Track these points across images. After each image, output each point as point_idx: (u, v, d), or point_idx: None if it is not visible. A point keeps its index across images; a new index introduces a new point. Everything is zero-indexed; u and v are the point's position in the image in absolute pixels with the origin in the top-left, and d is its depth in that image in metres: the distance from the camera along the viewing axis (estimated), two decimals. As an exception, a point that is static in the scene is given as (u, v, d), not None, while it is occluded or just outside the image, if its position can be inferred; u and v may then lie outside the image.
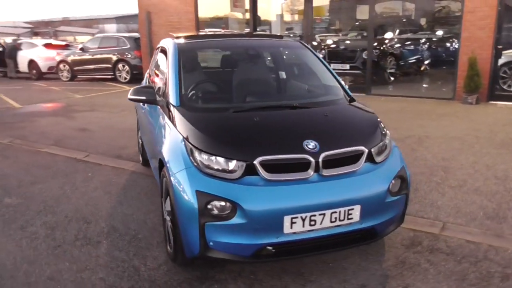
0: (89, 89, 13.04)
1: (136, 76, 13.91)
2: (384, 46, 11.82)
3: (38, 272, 2.95)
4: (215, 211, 2.56)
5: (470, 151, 5.69)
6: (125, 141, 6.50)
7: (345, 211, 2.67)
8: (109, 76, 14.76)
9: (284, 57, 4.04)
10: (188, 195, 2.59)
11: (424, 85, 11.87)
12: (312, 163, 2.67)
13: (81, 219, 3.81)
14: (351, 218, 2.71)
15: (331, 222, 2.66)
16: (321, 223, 2.64)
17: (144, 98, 3.48)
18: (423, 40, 13.09)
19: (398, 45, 12.45)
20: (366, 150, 2.83)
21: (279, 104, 3.33)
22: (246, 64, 3.84)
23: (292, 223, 2.58)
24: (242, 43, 4.03)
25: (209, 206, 2.55)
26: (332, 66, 11.43)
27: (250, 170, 2.62)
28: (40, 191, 4.54)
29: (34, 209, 4.04)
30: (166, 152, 2.96)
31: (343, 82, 3.70)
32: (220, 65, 3.80)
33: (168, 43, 3.84)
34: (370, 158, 2.87)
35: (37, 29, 58.88)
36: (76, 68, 15.40)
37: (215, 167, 2.65)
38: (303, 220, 2.59)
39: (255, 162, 2.61)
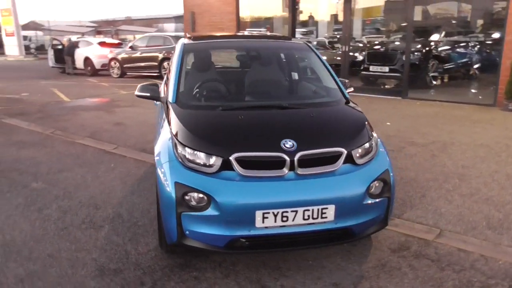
0: (134, 85, 13.55)
1: (180, 74, 14.39)
2: (427, 48, 11.48)
3: (41, 249, 3.26)
4: (193, 202, 2.72)
5: (495, 160, 5.47)
6: (154, 136, 6.83)
7: (318, 209, 2.74)
8: (155, 74, 15.39)
9: (287, 58, 4.13)
10: (168, 186, 2.77)
11: (465, 90, 11.39)
12: (287, 162, 2.75)
13: (93, 205, 4.11)
14: (325, 217, 2.77)
15: (304, 219, 2.74)
16: (293, 220, 2.72)
17: (148, 94, 3.71)
18: (472, 43, 12.55)
19: (444, 47, 12.04)
20: (345, 152, 2.88)
21: (269, 104, 3.43)
22: (246, 64, 3.97)
23: (264, 218, 2.68)
24: (246, 44, 4.16)
25: (186, 197, 2.72)
26: (371, 68, 11.40)
27: (227, 165, 2.75)
28: (65, 178, 4.92)
29: (54, 194, 4.40)
30: (157, 146, 3.16)
31: (341, 84, 3.74)
32: (221, 65, 3.96)
33: (178, 43, 4.06)
34: (352, 160, 2.92)
35: (100, 28, 62.06)
36: (125, 65, 16.17)
37: (195, 161, 2.81)
38: (275, 215, 2.69)
39: (230, 158, 2.74)
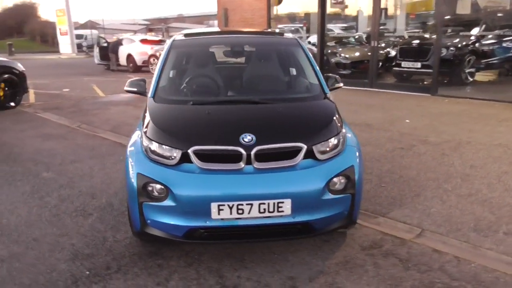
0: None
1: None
2: (463, 43, 10.97)
3: (29, 233, 3.51)
4: (154, 193, 2.84)
5: (508, 160, 5.19)
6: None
7: (274, 203, 2.77)
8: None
9: (274, 54, 4.16)
10: (132, 177, 2.91)
11: (503, 88, 10.77)
12: (244, 156, 2.81)
13: (90, 194, 4.35)
14: (282, 211, 2.80)
15: (260, 212, 2.78)
16: (249, 213, 2.77)
17: (135, 89, 3.87)
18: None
19: (484, 42, 11.44)
20: (305, 147, 2.88)
21: (240, 99, 3.49)
22: (228, 60, 4.05)
23: (219, 210, 2.75)
24: (234, 41, 4.23)
25: (148, 188, 2.84)
26: (403, 64, 11.07)
27: (188, 158, 2.85)
28: (74, 169, 5.22)
29: (60, 183, 4.69)
30: (131, 138, 3.31)
31: (323, 80, 3.72)
32: (205, 61, 4.05)
33: (169, 39, 4.20)
34: (314, 155, 2.92)
35: (152, 25, 64.14)
36: (164, 62, 16.66)
37: (158, 154, 2.93)
38: (230, 208, 2.75)
39: (189, 151, 2.84)
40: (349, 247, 3.26)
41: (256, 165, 2.82)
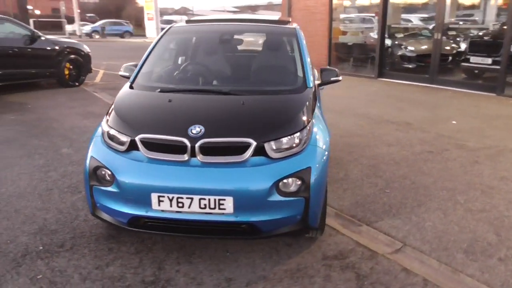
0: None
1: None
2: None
3: (14, 204, 3.71)
4: (103, 178, 2.85)
5: (552, 175, 4.49)
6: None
7: (215, 200, 2.64)
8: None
9: (266, 43, 3.94)
10: (87, 159, 2.95)
11: None
12: (188, 148, 2.70)
13: (91, 173, 4.51)
14: (224, 209, 2.65)
15: (201, 208, 2.66)
16: (189, 207, 2.67)
17: (127, 74, 3.90)
18: None
19: None
20: (254, 143, 2.69)
21: (209, 88, 3.34)
22: (220, 48, 3.91)
23: (159, 201, 2.68)
24: (228, 29, 4.07)
25: (98, 172, 2.86)
26: (472, 59, 10.06)
27: (136, 146, 2.81)
28: (93, 147, 5.44)
29: (72, 160, 4.92)
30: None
31: (309, 73, 3.46)
32: (193, 49, 3.94)
33: (168, 27, 4.17)
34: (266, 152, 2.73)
35: (240, 13, 65.32)
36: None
37: (112, 139, 2.92)
38: (170, 200, 2.67)
39: (136, 138, 2.79)
40: (309, 255, 3.02)
41: (201, 158, 2.70)
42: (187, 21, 4.18)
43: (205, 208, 2.66)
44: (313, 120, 3.03)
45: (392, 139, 5.86)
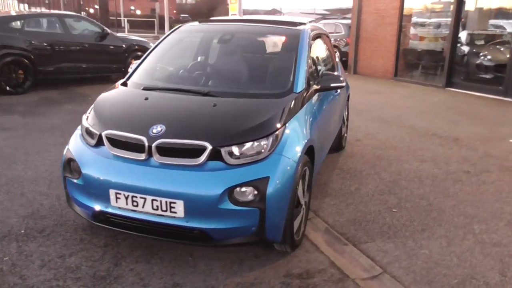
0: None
1: (344, 62, 14.10)
2: None
3: (24, 187, 3.95)
4: (75, 170, 2.93)
5: None
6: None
7: (166, 202, 2.59)
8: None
9: (265, 45, 3.79)
10: (65, 151, 3.06)
11: None
12: (146, 147, 2.67)
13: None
14: (175, 212, 2.59)
15: (153, 209, 2.63)
16: (143, 207, 2.65)
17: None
18: None
19: None
20: (210, 147, 2.59)
21: (188, 88, 3.26)
22: (213, 49, 3.82)
23: (116, 197, 2.69)
24: (230, 29, 3.97)
25: (71, 164, 2.95)
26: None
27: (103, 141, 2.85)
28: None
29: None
30: None
31: (300, 78, 3.26)
32: (192, 48, 3.90)
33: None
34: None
35: (329, 16, 64.66)
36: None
37: (87, 134, 3.00)
38: (126, 198, 2.67)
39: (102, 134, 2.83)
40: (272, 270, 2.84)
41: (157, 158, 2.66)
42: (200, 21, 4.16)
43: (157, 209, 2.62)
44: (288, 128, 2.85)
45: (429, 154, 5.36)
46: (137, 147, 2.71)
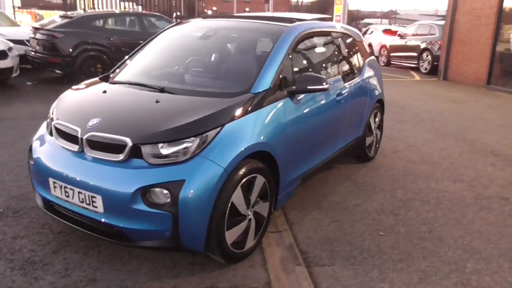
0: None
1: (436, 67, 12.92)
2: None
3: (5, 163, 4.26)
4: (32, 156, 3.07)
5: None
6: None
7: (89, 196, 2.57)
8: (413, 65, 14.31)
9: (247, 43, 3.54)
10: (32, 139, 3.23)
11: None
12: (79, 139, 2.69)
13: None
14: (96, 207, 2.57)
15: (80, 201, 2.63)
16: (72, 198, 2.67)
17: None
18: None
19: None
20: (130, 144, 2.51)
21: (144, 83, 3.16)
22: (194, 45, 3.68)
23: (54, 186, 2.76)
24: (219, 26, 3.79)
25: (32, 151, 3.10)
26: None
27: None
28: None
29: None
30: None
31: (266, 77, 3.00)
32: (178, 45, 3.79)
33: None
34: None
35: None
36: (391, 54, 15.69)
37: (46, 122, 3.13)
38: (60, 187, 2.71)
39: (53, 123, 2.91)
40: (198, 280, 2.65)
41: (87, 151, 2.66)
42: (203, 17, 4.10)
43: (83, 202, 2.62)
44: (226, 130, 2.63)
45: (471, 174, 4.62)
46: (73, 138, 2.74)
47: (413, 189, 4.17)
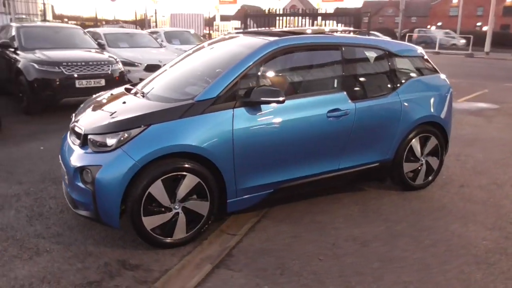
0: None
1: None
2: None
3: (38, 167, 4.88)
4: None
5: None
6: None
7: (65, 172, 3.39)
8: None
9: (233, 56, 3.70)
10: None
11: None
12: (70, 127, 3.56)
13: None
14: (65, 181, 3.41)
15: (65, 177, 3.46)
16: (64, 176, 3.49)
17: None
18: None
19: None
20: (82, 133, 3.22)
21: (139, 91, 3.77)
22: (199, 56, 4.13)
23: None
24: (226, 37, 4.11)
25: None
26: None
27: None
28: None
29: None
30: None
31: (217, 86, 3.30)
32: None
33: None
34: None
35: None
36: None
37: None
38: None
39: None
40: (117, 252, 3.13)
41: (69, 136, 3.53)
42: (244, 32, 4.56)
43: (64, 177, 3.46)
44: (151, 129, 3.06)
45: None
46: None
47: (430, 234, 3.53)
